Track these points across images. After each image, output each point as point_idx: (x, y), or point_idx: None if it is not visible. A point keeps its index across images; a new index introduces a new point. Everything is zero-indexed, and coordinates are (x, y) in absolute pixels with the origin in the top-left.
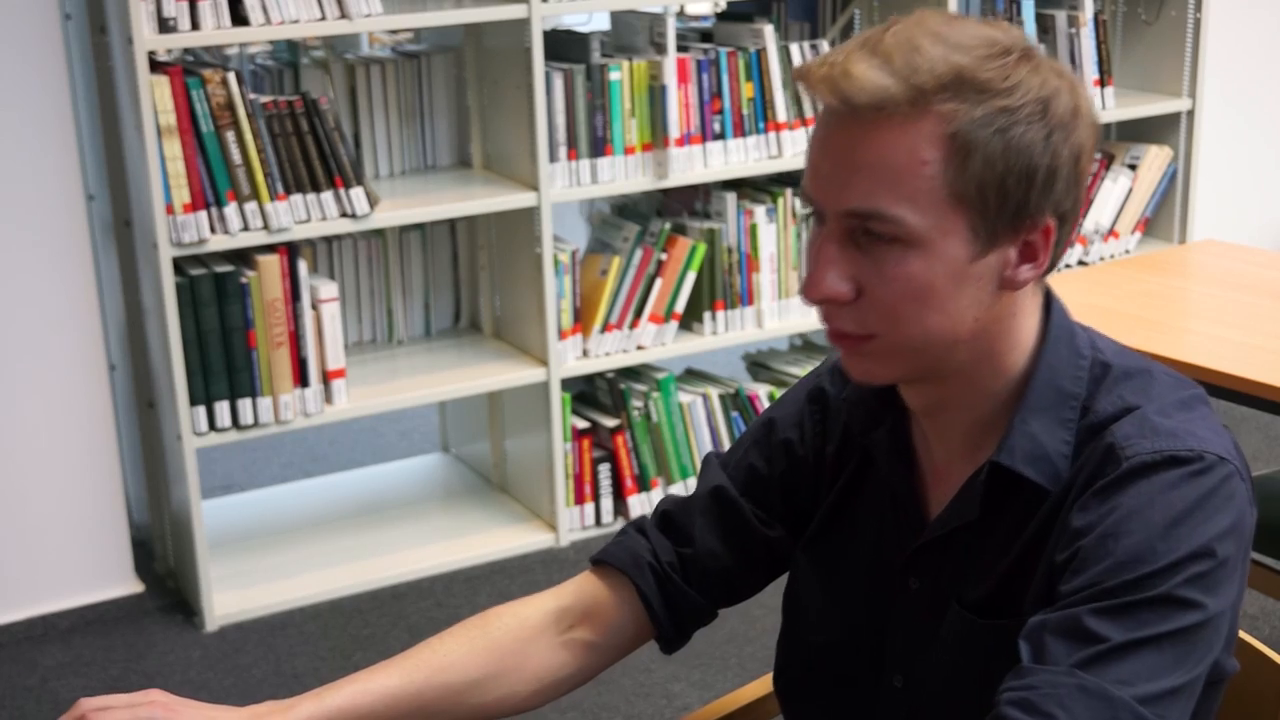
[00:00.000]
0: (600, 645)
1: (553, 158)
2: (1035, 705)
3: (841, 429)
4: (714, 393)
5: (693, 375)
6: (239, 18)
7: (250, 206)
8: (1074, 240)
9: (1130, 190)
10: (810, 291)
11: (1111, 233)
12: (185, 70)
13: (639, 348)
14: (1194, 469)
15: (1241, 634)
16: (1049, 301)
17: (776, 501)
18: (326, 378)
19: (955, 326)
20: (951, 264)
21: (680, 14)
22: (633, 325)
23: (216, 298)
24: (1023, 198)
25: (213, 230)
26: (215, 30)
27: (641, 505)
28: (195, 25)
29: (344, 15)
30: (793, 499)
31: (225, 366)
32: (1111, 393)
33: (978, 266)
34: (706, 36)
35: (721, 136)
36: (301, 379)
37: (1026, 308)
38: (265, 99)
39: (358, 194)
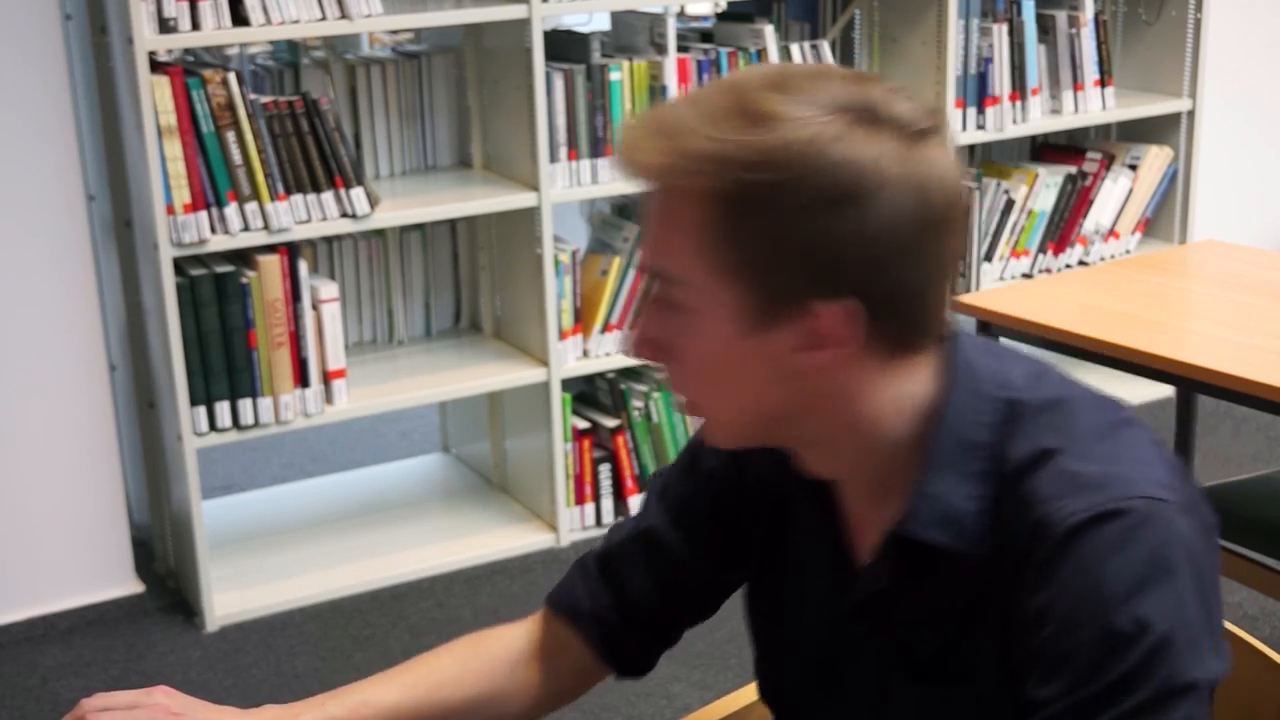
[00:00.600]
0: (580, 670)
1: (553, 158)
2: None
3: (763, 474)
4: None
5: None
6: (239, 18)
7: (251, 207)
8: (942, 305)
9: (1130, 190)
10: (623, 344)
11: (1112, 233)
12: (186, 70)
13: None
14: (1130, 522)
15: (1241, 634)
16: (954, 347)
17: (709, 531)
18: (327, 378)
19: (760, 404)
20: (721, 339)
21: (680, 14)
22: (633, 326)
23: (217, 298)
24: (787, 283)
25: (213, 230)
26: (216, 30)
27: None
28: (196, 25)
29: (344, 15)
30: (726, 529)
31: (225, 367)
32: (1027, 435)
33: (753, 345)
34: (707, 37)
35: None
36: (302, 379)
37: (892, 376)
38: (266, 99)
39: (358, 194)
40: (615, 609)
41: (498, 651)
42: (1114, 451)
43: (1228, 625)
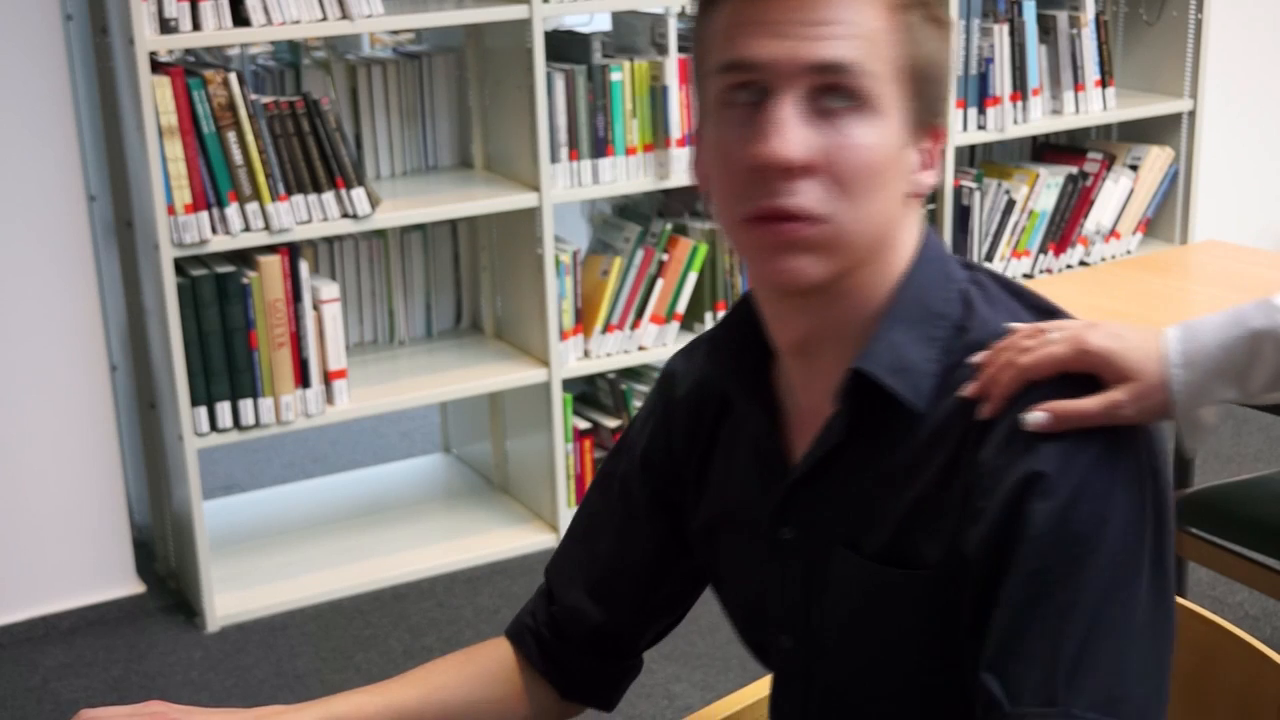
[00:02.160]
0: (547, 694)
1: (554, 158)
2: None
3: (688, 404)
4: None
5: None
6: (240, 18)
7: (251, 207)
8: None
9: (1131, 191)
10: (783, 149)
11: (1113, 233)
12: (186, 71)
13: (640, 348)
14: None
15: (1241, 634)
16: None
17: (650, 503)
18: (328, 378)
19: (886, 218)
20: (893, 142)
21: (681, 14)
22: (634, 326)
23: (218, 298)
24: (935, 92)
25: (214, 231)
26: (216, 31)
27: None
28: (196, 26)
29: (345, 16)
30: (665, 493)
31: (226, 367)
32: (986, 318)
33: (905, 155)
34: None
35: None
36: (303, 379)
37: (912, 222)
38: (266, 99)
39: (359, 194)
40: (550, 623)
41: (495, 659)
42: None
43: (1227, 625)
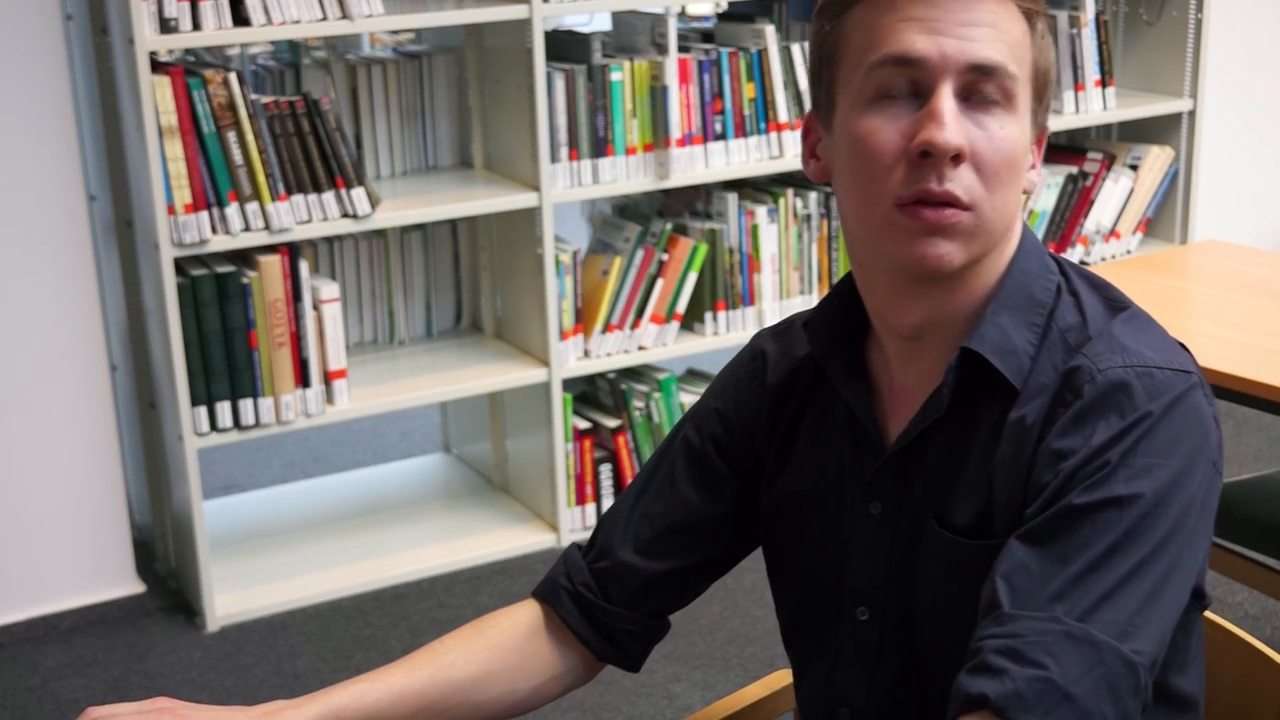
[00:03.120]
0: (579, 653)
1: (554, 158)
2: (1022, 653)
3: (779, 383)
4: None
5: (694, 376)
6: (240, 18)
7: (251, 207)
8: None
9: (1131, 191)
10: (951, 137)
11: (1113, 233)
12: (186, 71)
13: (640, 348)
14: (1163, 385)
15: (1241, 634)
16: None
17: (719, 468)
18: (328, 378)
19: (1014, 210)
20: (1025, 140)
21: (681, 14)
22: (634, 326)
23: (218, 298)
24: (1048, 97)
25: (214, 230)
26: (216, 30)
27: None
28: (196, 26)
29: (345, 16)
30: (735, 462)
31: (226, 367)
32: (1076, 308)
33: (1028, 153)
34: (708, 37)
35: (723, 137)
36: (303, 379)
37: (1019, 216)
38: (266, 99)
39: (359, 194)
40: (594, 583)
41: (505, 628)
42: (1156, 332)
43: (1228, 626)
